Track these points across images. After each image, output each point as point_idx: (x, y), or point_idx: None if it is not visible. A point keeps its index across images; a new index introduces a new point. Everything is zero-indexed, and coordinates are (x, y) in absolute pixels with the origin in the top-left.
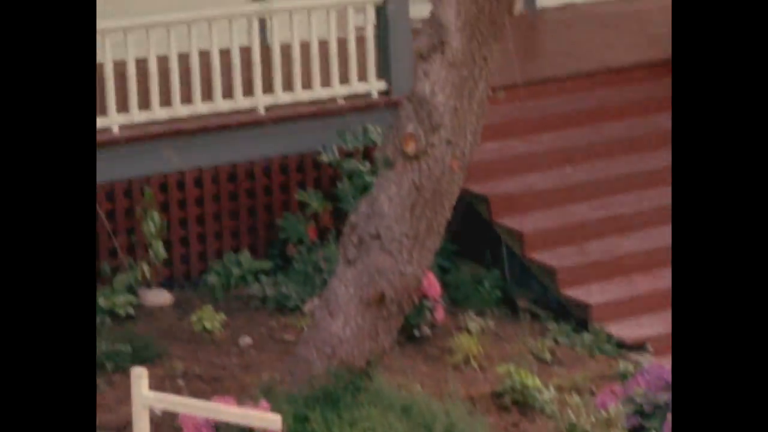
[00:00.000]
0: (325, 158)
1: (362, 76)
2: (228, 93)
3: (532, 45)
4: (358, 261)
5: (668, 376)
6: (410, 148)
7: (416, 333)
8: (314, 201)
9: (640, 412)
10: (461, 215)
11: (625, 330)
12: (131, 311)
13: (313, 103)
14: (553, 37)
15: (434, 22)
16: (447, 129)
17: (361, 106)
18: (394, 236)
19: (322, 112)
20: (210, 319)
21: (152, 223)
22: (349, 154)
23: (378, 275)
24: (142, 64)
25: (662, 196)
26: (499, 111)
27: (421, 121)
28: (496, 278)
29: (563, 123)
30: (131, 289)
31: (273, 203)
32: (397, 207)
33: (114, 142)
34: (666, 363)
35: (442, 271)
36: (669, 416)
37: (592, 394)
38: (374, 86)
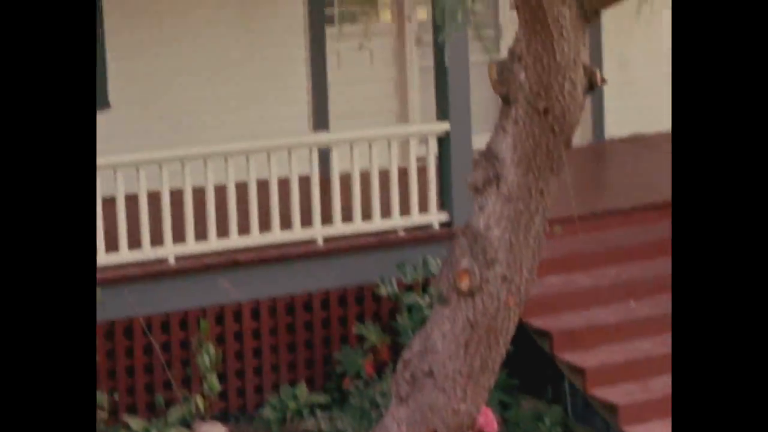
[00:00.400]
0: (383, 291)
1: (423, 208)
2: (286, 223)
3: (598, 176)
4: (411, 398)
5: None
6: (465, 284)
7: None
8: (372, 334)
9: None
10: (522, 349)
11: None
12: None
13: (372, 234)
14: (620, 168)
15: (489, 154)
16: (502, 264)
17: (421, 237)
18: (447, 373)
19: (381, 244)
20: None
21: (207, 355)
22: (408, 287)
23: (431, 413)
24: (199, 194)
25: None
26: (562, 243)
27: (475, 256)
28: (557, 414)
29: (628, 256)
30: (185, 422)
31: (331, 336)
32: (451, 344)
33: (170, 273)
34: None
35: (501, 407)
36: None
37: None
38: (435, 218)
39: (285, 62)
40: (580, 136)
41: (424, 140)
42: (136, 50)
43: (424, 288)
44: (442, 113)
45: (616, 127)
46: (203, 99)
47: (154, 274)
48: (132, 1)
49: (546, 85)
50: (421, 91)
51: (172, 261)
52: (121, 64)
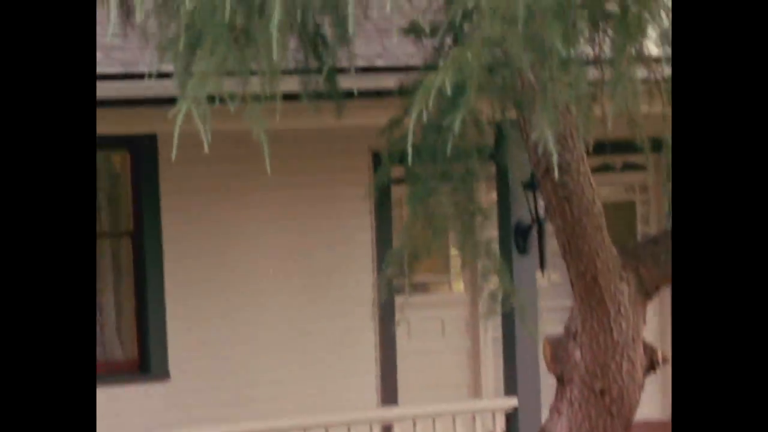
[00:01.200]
0: None
1: None
2: None
3: None
4: None
5: None
6: None
7: None
8: None
9: None
10: None
11: None
12: None
13: None
14: None
15: None
16: None
17: None
18: None
19: None
20: None
21: None
22: None
23: None
24: None
25: None
26: None
27: None
28: None
29: None
30: None
31: None
32: None
33: None
34: None
35: None
36: None
37: None
38: None
39: (352, 332)
40: (661, 411)
41: (490, 415)
42: (196, 320)
43: None
44: (511, 388)
45: None
46: (264, 369)
47: None
48: (191, 272)
49: (603, 364)
50: (495, 363)
51: None
52: (181, 334)
